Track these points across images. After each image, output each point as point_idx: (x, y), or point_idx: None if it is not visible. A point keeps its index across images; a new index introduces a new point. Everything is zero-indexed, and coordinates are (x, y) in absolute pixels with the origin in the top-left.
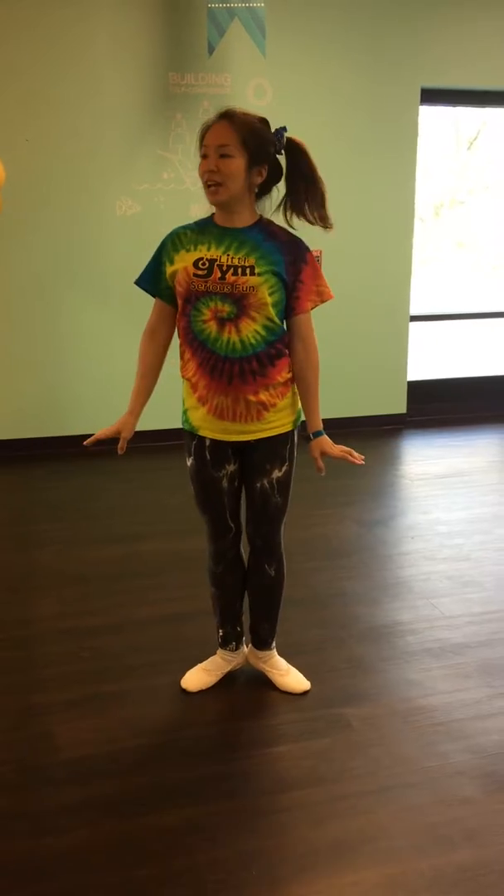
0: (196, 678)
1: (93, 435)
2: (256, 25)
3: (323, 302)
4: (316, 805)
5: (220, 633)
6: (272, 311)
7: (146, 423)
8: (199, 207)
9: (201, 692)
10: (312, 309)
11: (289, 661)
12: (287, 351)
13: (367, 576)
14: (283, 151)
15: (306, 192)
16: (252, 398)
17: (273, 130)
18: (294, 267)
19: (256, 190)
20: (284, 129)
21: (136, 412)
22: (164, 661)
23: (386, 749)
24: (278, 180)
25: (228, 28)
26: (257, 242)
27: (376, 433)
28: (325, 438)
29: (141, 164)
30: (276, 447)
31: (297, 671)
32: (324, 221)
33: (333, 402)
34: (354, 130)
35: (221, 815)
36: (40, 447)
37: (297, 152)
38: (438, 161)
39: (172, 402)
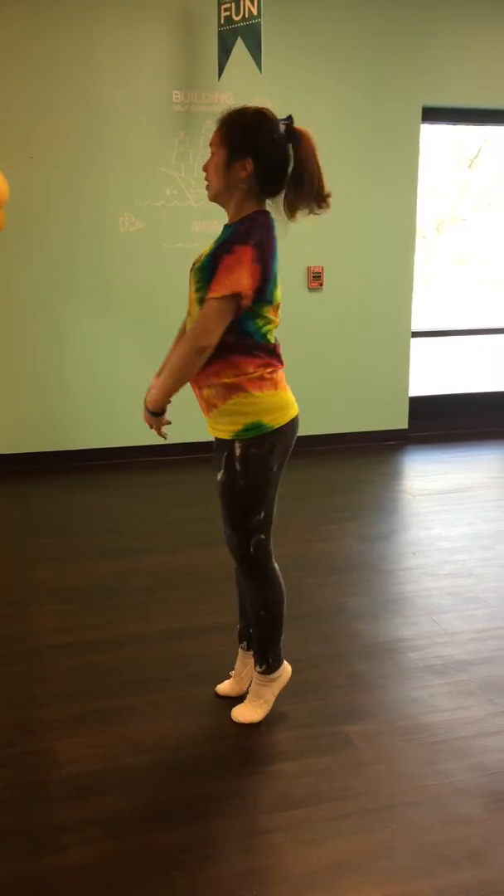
0: (225, 686)
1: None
2: (254, 41)
3: (211, 294)
4: (316, 823)
5: (238, 628)
6: (196, 309)
7: (149, 438)
8: (201, 224)
9: (204, 708)
10: (213, 298)
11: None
12: (232, 353)
13: (368, 591)
14: (289, 143)
15: (299, 181)
16: (199, 391)
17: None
18: (219, 251)
19: (246, 185)
20: (288, 118)
21: None
22: (164, 677)
23: (387, 767)
24: (279, 173)
25: (233, 48)
26: (221, 237)
27: (378, 449)
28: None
29: (144, 180)
30: (221, 449)
31: (256, 704)
32: (320, 201)
33: (335, 417)
34: (356, 148)
35: (221, 834)
36: (41, 462)
37: (296, 142)
38: (440, 178)
39: (176, 417)
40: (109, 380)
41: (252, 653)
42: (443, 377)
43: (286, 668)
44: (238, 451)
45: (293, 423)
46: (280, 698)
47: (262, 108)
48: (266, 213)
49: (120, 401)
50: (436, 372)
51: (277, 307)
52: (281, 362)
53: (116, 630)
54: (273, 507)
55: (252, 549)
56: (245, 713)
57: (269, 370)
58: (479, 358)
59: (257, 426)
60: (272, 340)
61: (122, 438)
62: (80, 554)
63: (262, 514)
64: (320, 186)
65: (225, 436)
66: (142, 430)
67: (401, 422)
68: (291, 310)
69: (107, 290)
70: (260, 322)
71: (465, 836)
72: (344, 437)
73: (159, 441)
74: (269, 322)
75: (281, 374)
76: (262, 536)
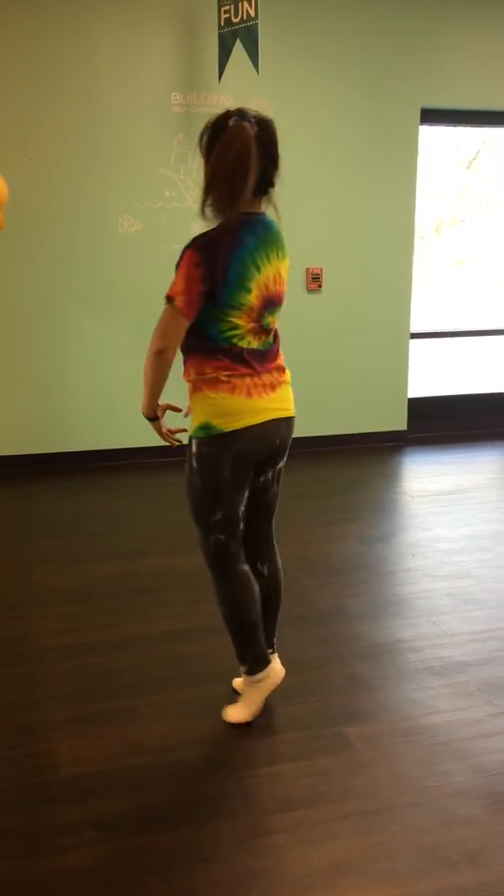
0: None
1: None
2: (251, 43)
3: (167, 296)
4: (316, 825)
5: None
6: None
7: (149, 439)
8: (200, 225)
9: (204, 709)
10: (168, 303)
11: (289, 678)
12: (193, 353)
13: (367, 593)
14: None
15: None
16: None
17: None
18: (181, 255)
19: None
20: (238, 114)
21: None
22: (164, 679)
23: (387, 768)
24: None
25: (233, 50)
26: None
27: (377, 450)
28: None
29: (143, 182)
30: (188, 444)
31: (244, 704)
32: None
33: (334, 418)
34: (355, 149)
35: (221, 835)
36: (42, 463)
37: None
38: (439, 180)
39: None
40: (110, 381)
41: (274, 652)
42: (442, 378)
43: (274, 671)
44: (194, 449)
45: (254, 430)
46: (279, 700)
47: (228, 110)
48: (240, 216)
49: (120, 402)
50: (435, 373)
51: (251, 311)
52: (251, 368)
53: (117, 632)
54: (236, 511)
55: (211, 546)
56: (233, 713)
57: (226, 373)
58: (479, 359)
59: (206, 426)
60: (241, 345)
61: (123, 439)
62: (81, 555)
63: (220, 515)
64: (212, 193)
65: (189, 431)
66: (143, 431)
67: (400, 423)
68: (290, 311)
69: (107, 291)
70: (223, 326)
71: (465, 838)
72: (343, 438)
73: (160, 442)
74: (235, 327)
75: (246, 380)
76: (221, 537)
